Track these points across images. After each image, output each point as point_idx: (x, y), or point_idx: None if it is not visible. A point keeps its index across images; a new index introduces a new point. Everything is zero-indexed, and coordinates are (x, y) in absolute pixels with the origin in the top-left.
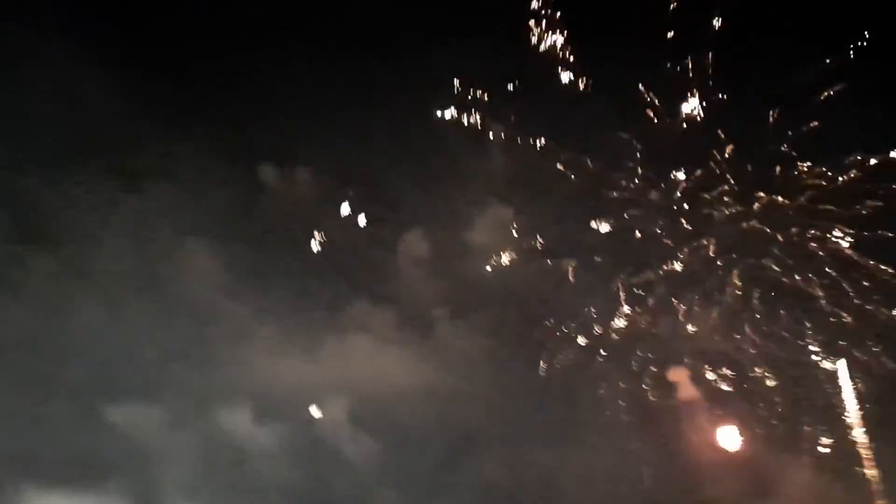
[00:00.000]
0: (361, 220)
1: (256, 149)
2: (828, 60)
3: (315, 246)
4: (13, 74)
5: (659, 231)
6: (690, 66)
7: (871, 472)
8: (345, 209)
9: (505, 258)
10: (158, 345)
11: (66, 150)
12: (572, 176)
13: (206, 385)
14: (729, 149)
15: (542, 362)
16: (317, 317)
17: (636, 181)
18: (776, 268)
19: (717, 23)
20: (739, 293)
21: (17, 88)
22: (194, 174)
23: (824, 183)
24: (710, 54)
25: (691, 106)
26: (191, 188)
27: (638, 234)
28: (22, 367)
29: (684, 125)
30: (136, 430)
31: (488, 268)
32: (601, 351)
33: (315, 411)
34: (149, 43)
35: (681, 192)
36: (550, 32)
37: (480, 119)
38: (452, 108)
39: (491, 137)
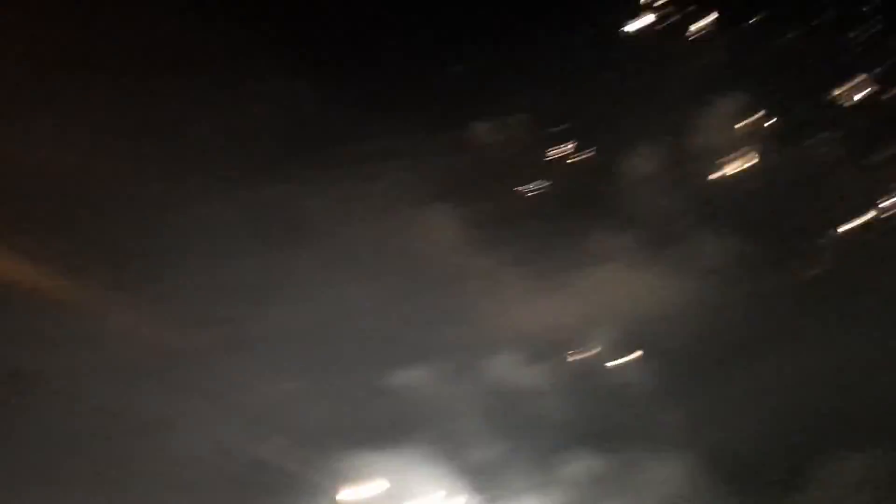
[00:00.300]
0: (582, 151)
1: (463, 110)
2: None
3: (544, 187)
4: (242, 99)
5: None
6: None
7: None
8: (563, 145)
9: (742, 153)
10: (421, 310)
11: (301, 153)
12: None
13: (470, 339)
14: None
15: (806, 257)
16: (561, 254)
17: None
18: None
19: None
20: None
21: (250, 119)
22: (416, 147)
23: None
24: None
25: None
26: (417, 161)
27: None
28: (307, 354)
29: None
30: (420, 390)
31: (725, 168)
32: (872, 236)
33: (579, 345)
34: (347, 41)
35: None
36: None
37: (679, 19)
38: (644, 15)
39: (694, 32)
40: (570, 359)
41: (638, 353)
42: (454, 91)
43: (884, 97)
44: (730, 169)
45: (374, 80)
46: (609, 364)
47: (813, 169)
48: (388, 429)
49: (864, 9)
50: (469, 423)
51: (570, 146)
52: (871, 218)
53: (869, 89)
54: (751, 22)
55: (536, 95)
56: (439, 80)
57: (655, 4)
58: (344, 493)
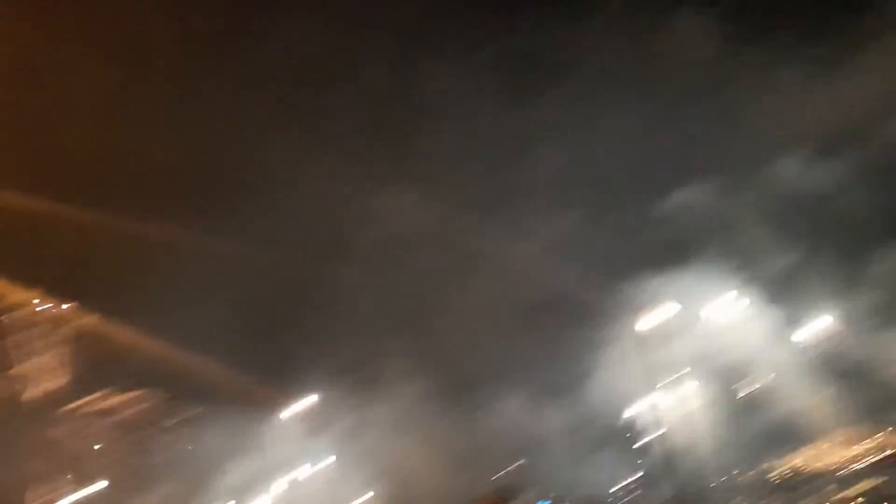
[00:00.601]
0: None
1: None
2: None
3: None
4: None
5: None
6: None
7: None
8: None
9: None
10: (690, 124)
11: None
12: None
13: (748, 145)
14: None
15: None
16: (841, 32)
17: None
18: None
19: None
20: None
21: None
22: None
23: None
24: None
25: None
26: None
27: None
28: (585, 189)
29: None
30: (703, 207)
31: None
32: None
33: (875, 132)
34: None
35: None
36: None
37: None
38: None
39: None
40: (867, 148)
41: None
42: None
43: None
44: None
45: None
46: None
47: None
48: (676, 250)
49: None
50: (760, 233)
51: None
52: None
53: None
54: None
55: None
56: None
57: None
58: (638, 317)
